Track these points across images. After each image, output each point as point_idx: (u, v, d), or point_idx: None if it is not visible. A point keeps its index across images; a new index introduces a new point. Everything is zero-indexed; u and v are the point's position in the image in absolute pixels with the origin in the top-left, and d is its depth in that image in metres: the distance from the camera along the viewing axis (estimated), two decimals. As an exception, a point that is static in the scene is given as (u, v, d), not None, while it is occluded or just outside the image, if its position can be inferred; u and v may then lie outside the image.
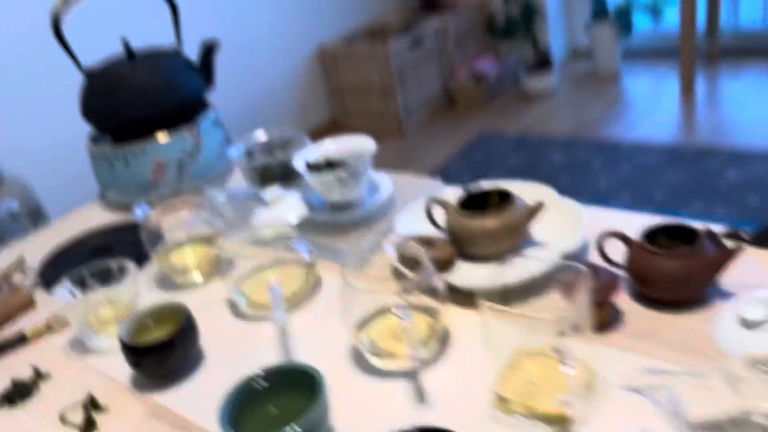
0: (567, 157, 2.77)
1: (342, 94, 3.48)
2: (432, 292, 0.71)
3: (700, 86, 3.15)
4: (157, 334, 0.76)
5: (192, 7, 2.80)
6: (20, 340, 0.88)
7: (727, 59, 3.33)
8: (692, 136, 2.78)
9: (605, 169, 2.60)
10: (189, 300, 0.84)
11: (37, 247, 1.15)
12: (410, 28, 3.45)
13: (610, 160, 2.66)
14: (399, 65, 3.24)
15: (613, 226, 0.77)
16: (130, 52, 1.22)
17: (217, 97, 2.86)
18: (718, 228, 0.81)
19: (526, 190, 0.92)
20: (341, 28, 3.53)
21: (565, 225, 0.85)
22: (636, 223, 0.78)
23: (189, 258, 0.98)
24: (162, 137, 1.17)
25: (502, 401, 0.62)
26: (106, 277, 0.87)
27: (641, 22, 3.58)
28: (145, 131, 1.17)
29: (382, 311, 0.73)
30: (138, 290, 0.88)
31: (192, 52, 1.32)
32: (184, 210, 1.03)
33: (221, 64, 2.98)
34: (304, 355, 0.75)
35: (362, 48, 3.34)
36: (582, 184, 2.53)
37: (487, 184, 0.89)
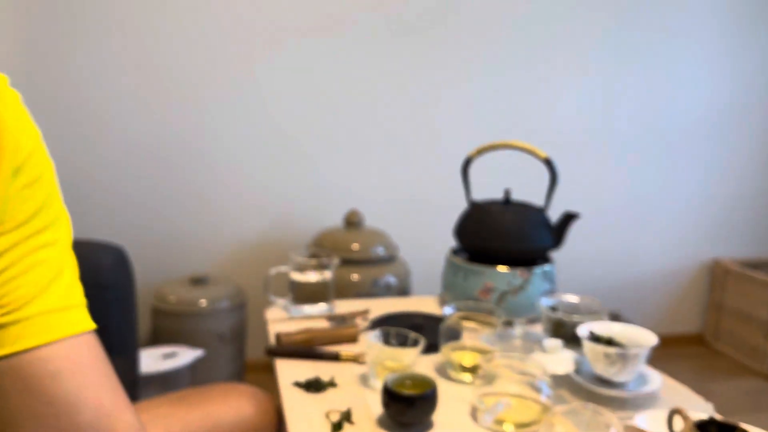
0: None
1: (720, 313, 3.28)
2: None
3: None
4: (408, 391, 1.00)
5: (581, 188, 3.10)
6: (334, 357, 1.22)
7: None
8: None
9: None
10: (452, 391, 1.06)
11: (384, 307, 1.53)
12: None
13: None
14: (797, 308, 2.93)
15: None
16: (506, 199, 1.54)
17: (597, 267, 3.06)
18: None
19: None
20: (745, 251, 3.38)
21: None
22: None
23: (466, 360, 1.20)
24: (500, 268, 1.44)
25: None
26: (403, 341, 1.15)
27: None
28: (491, 258, 1.46)
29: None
30: (417, 360, 1.13)
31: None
32: (482, 325, 1.27)
33: (615, 237, 3.18)
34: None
35: (761, 274, 3.12)
36: None
37: (730, 420, 0.89)
